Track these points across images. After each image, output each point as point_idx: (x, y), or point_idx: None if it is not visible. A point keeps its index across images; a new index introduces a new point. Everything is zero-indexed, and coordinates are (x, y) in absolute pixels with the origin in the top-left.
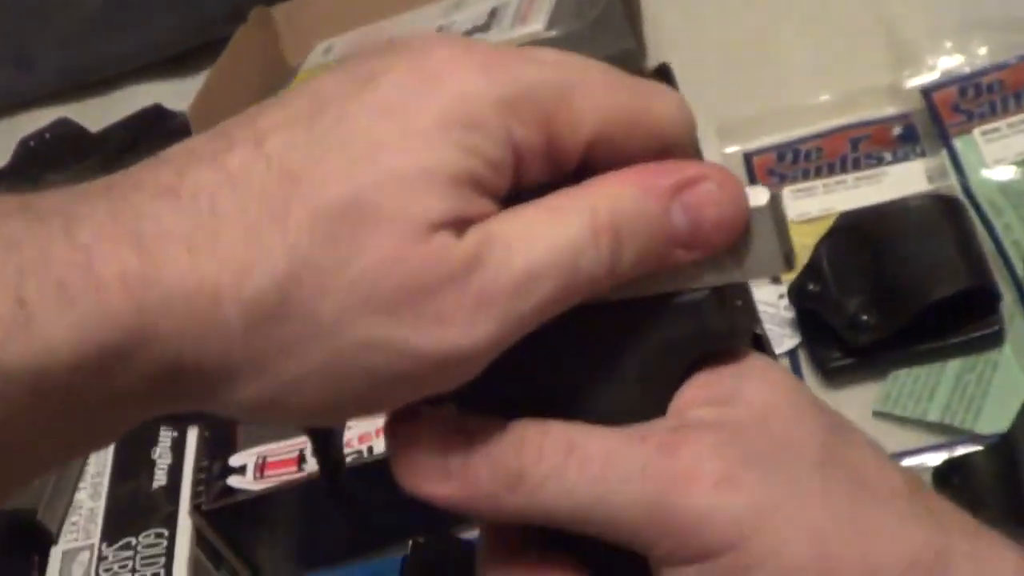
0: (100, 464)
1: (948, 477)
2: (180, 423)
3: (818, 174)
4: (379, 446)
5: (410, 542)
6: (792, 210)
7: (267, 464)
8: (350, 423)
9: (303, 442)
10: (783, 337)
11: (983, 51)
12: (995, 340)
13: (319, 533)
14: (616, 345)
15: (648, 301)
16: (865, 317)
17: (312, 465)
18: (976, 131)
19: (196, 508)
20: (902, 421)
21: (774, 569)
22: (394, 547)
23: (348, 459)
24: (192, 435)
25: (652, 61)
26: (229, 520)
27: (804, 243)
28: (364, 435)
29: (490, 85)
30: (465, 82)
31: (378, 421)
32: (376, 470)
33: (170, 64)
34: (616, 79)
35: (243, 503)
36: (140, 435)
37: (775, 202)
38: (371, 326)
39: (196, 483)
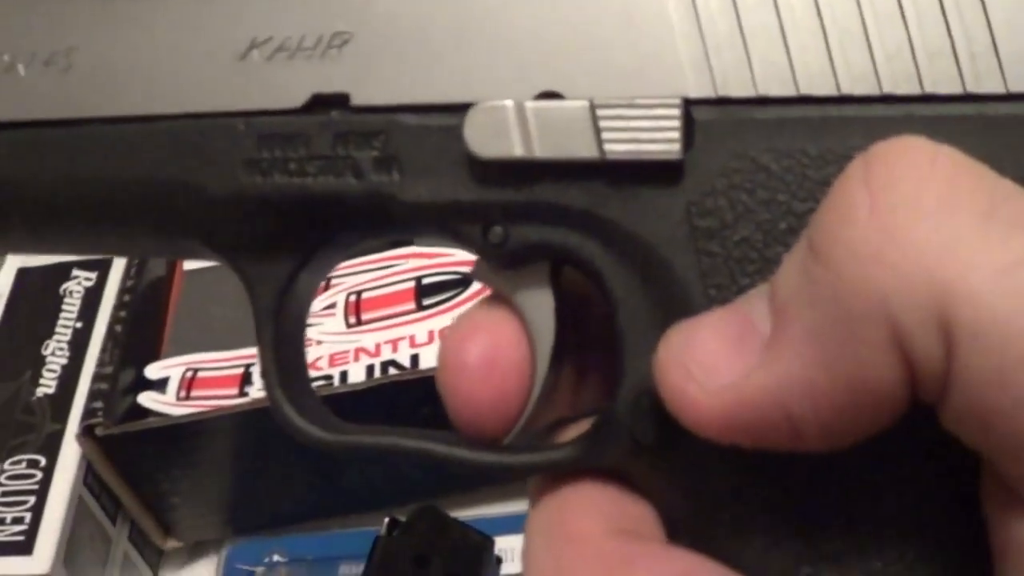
0: None
1: None
2: None
3: None
4: (357, 372)
5: (385, 520)
6: None
7: (197, 380)
8: (318, 336)
9: (250, 356)
10: None
11: None
12: None
13: (263, 486)
14: None
15: None
16: None
17: (259, 390)
18: None
19: (89, 431)
20: None
21: None
22: (362, 516)
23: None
24: (103, 324)
25: None
26: (135, 453)
27: None
28: (339, 356)
29: None
30: None
31: (361, 339)
32: (352, 403)
33: None
34: None
35: (157, 431)
36: (32, 320)
37: None
38: None
39: (94, 396)
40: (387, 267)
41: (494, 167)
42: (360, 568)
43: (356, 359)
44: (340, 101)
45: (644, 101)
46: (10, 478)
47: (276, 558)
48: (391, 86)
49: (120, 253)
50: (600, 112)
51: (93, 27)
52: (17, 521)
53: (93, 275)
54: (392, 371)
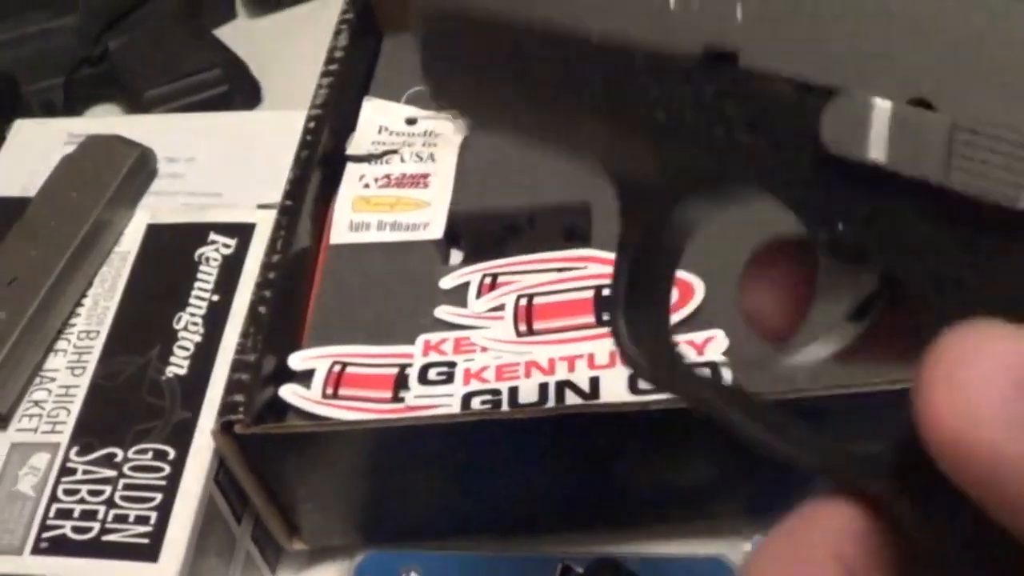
0: (94, 319)
1: None
2: None
3: None
4: (529, 390)
5: (559, 566)
6: None
7: (346, 377)
8: (483, 341)
9: (404, 355)
10: None
11: None
12: None
13: (401, 495)
14: None
15: None
16: None
17: (416, 396)
18: None
19: (227, 427)
20: None
21: None
22: (512, 541)
23: (475, 401)
24: (243, 300)
25: None
26: (274, 453)
27: None
28: (508, 368)
29: None
30: None
31: (532, 351)
32: (522, 429)
33: None
34: None
35: (304, 436)
36: (163, 287)
37: None
38: None
39: (233, 386)
40: (562, 269)
41: (841, 163)
42: None
43: (528, 375)
44: (729, 59)
45: (1010, 136)
46: (135, 469)
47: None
48: (774, 52)
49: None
50: (960, 136)
51: None
52: (141, 521)
53: (233, 242)
54: (570, 394)
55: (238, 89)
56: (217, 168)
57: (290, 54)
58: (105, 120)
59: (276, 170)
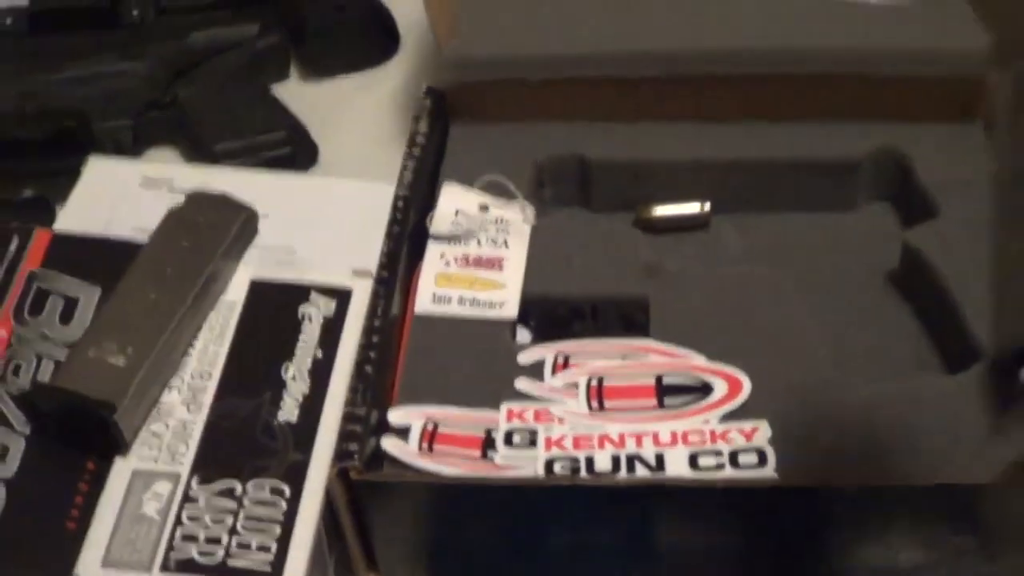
0: (205, 362)
1: None
2: None
3: None
4: (603, 460)
5: None
6: None
7: (439, 435)
8: (560, 413)
9: (489, 419)
10: None
11: None
12: None
13: (470, 539)
14: None
15: None
16: None
17: (503, 457)
18: None
19: (343, 473)
20: None
21: None
22: None
23: (556, 466)
24: (344, 357)
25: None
26: (376, 498)
27: None
28: (583, 439)
29: None
30: None
31: (605, 426)
32: (597, 494)
33: None
34: None
35: (406, 484)
36: (270, 338)
37: None
38: None
39: (347, 435)
40: (626, 356)
41: None
42: None
43: (601, 446)
44: None
45: None
46: (254, 502)
47: None
48: None
49: None
50: None
51: None
52: (263, 549)
53: (332, 303)
54: (639, 467)
55: (300, 152)
56: (289, 227)
57: (341, 120)
58: (180, 168)
59: (345, 233)
